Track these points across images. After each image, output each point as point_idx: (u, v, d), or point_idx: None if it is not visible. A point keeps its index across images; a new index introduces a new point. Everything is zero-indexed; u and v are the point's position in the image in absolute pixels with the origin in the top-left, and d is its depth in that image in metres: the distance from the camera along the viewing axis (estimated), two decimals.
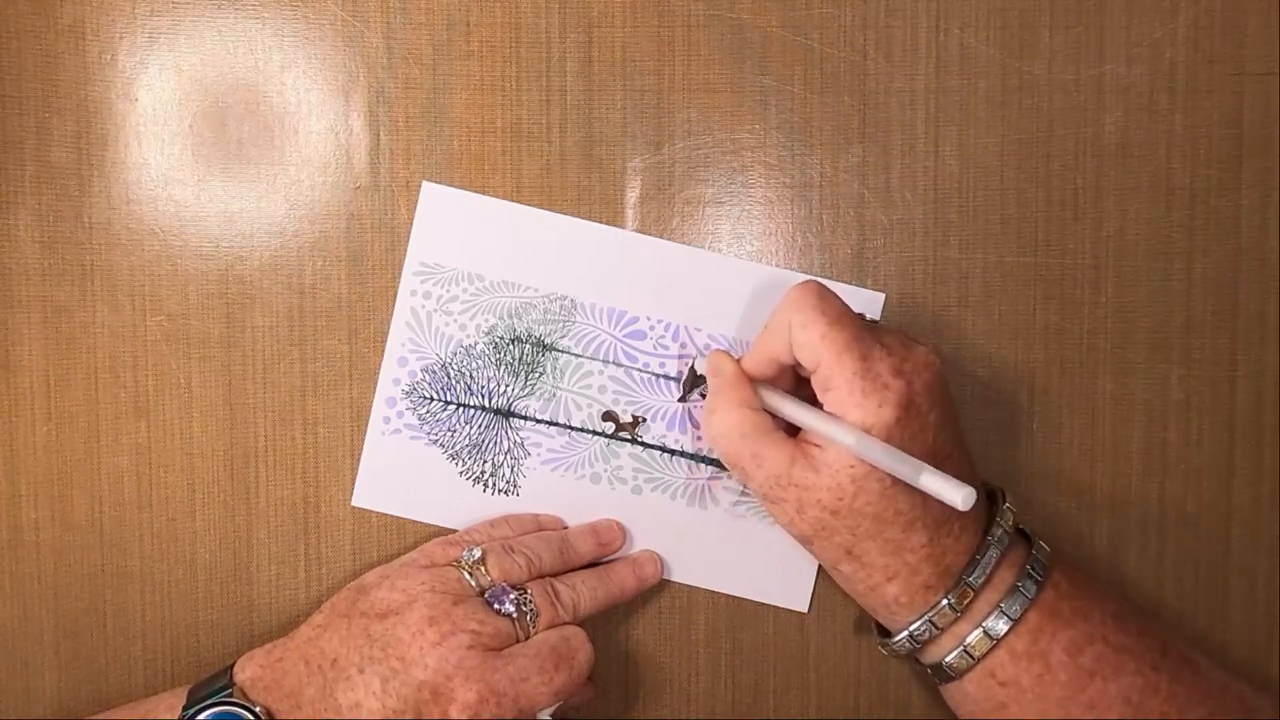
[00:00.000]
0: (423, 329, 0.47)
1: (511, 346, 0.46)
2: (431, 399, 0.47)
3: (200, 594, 0.48)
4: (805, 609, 0.48)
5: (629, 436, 0.47)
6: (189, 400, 0.47)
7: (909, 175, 0.47)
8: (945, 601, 0.40)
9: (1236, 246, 0.47)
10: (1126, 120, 0.47)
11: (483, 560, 0.43)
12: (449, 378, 0.47)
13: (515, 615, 0.41)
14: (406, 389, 0.47)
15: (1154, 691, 0.40)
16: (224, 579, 0.48)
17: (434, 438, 0.47)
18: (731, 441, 0.41)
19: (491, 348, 0.47)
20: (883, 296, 0.47)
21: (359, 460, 0.47)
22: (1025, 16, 0.46)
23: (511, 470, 0.47)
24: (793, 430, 0.42)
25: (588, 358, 0.47)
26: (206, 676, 0.42)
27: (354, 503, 0.47)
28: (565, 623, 0.43)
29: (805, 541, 0.42)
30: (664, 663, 0.48)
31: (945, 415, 0.41)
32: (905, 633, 0.41)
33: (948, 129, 0.47)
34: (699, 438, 0.47)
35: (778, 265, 0.47)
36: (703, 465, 0.47)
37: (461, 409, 0.47)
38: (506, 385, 0.47)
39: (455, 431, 0.47)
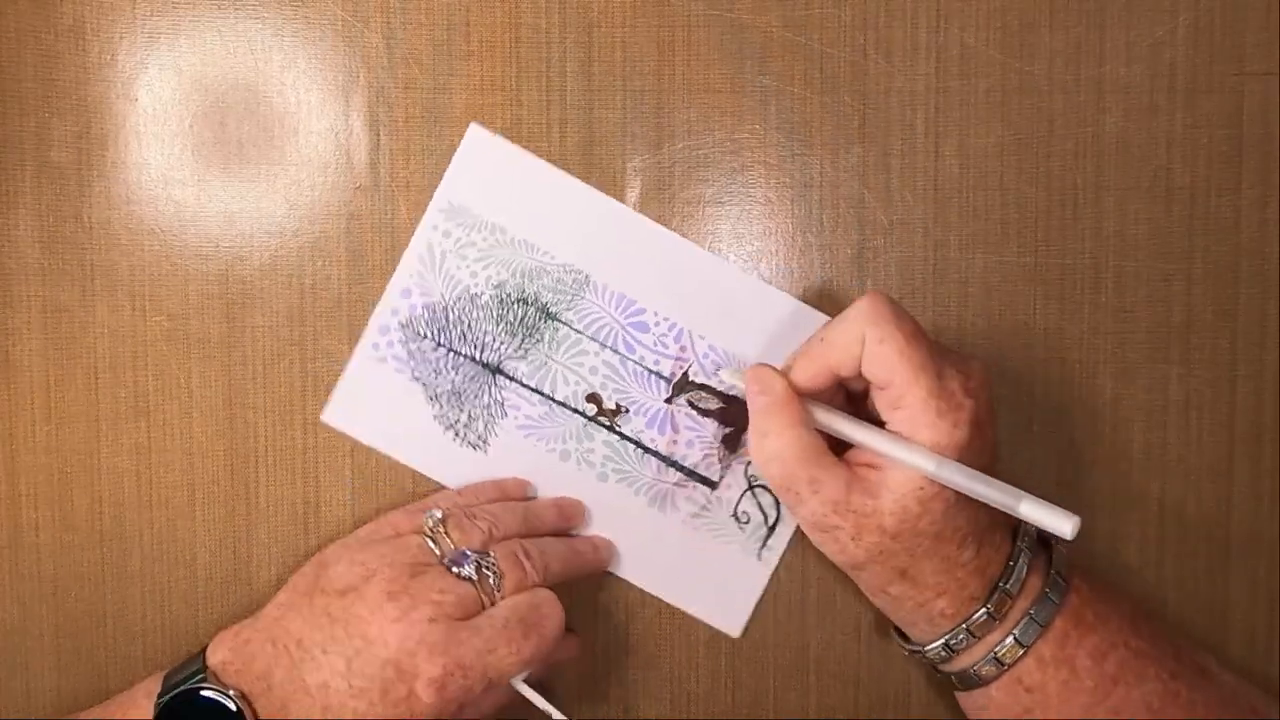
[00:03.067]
0: (434, 266, 0.46)
1: (516, 306, 0.46)
2: (425, 336, 0.46)
3: (200, 594, 0.48)
4: (737, 634, 0.48)
5: (607, 423, 0.47)
6: (189, 400, 0.47)
7: (909, 175, 0.47)
8: (984, 610, 0.40)
9: (1236, 246, 0.47)
10: (1126, 120, 0.47)
11: (444, 523, 0.42)
12: (447, 320, 0.46)
13: (476, 579, 0.41)
14: (403, 321, 0.47)
15: (1174, 698, 0.40)
16: (224, 579, 0.48)
17: (418, 375, 0.47)
18: (787, 465, 0.39)
19: (496, 302, 0.46)
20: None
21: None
22: (1025, 17, 0.46)
23: (485, 426, 0.47)
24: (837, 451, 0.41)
25: (587, 336, 0.47)
26: (181, 661, 0.42)
27: (323, 418, 0.47)
28: (535, 585, 0.42)
29: (855, 568, 0.40)
30: (664, 663, 0.48)
31: (996, 431, 0.41)
32: (940, 642, 0.41)
33: (948, 129, 0.47)
34: (674, 441, 0.47)
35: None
36: (672, 470, 0.47)
37: (452, 354, 0.46)
38: (502, 342, 0.47)
39: (440, 374, 0.47)
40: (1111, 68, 0.47)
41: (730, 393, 0.47)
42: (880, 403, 0.40)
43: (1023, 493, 0.37)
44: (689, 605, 0.48)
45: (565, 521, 0.46)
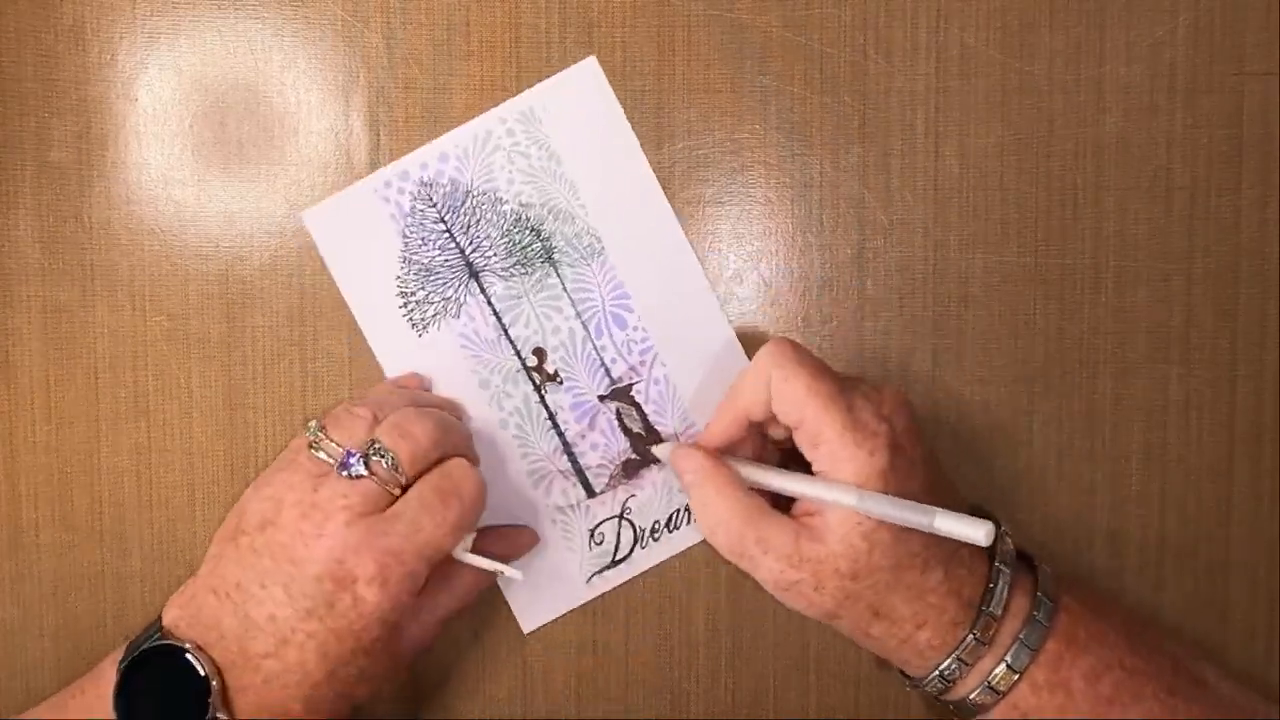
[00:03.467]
0: (481, 152, 0.46)
1: (528, 233, 0.46)
2: (434, 205, 0.46)
3: None
4: (526, 630, 0.48)
5: (538, 380, 0.47)
6: (189, 400, 0.47)
7: (909, 175, 0.47)
8: (971, 636, 0.40)
9: (1236, 246, 0.47)
10: (1126, 120, 0.47)
11: (323, 429, 0.42)
12: (461, 204, 0.46)
13: (369, 472, 0.40)
14: (425, 179, 0.46)
15: (1170, 714, 0.40)
16: None
17: (407, 234, 0.46)
18: (731, 529, 0.40)
19: (514, 218, 0.46)
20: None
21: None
22: (1025, 17, 0.46)
23: (434, 315, 0.46)
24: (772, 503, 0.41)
25: (570, 298, 0.47)
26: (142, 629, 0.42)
27: (304, 216, 0.46)
28: (429, 452, 0.41)
29: (831, 618, 0.40)
30: (664, 663, 0.48)
31: (926, 450, 0.41)
32: (935, 673, 0.41)
33: (948, 129, 0.47)
34: (583, 436, 0.47)
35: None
36: (565, 458, 0.47)
37: (447, 235, 0.46)
38: (495, 254, 0.46)
39: (425, 245, 0.46)
40: (1111, 68, 0.47)
41: (656, 427, 0.47)
42: (801, 443, 0.40)
43: (935, 509, 0.37)
44: (507, 587, 0.47)
45: (452, 410, 0.46)
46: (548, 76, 0.46)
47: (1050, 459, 0.48)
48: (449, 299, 0.46)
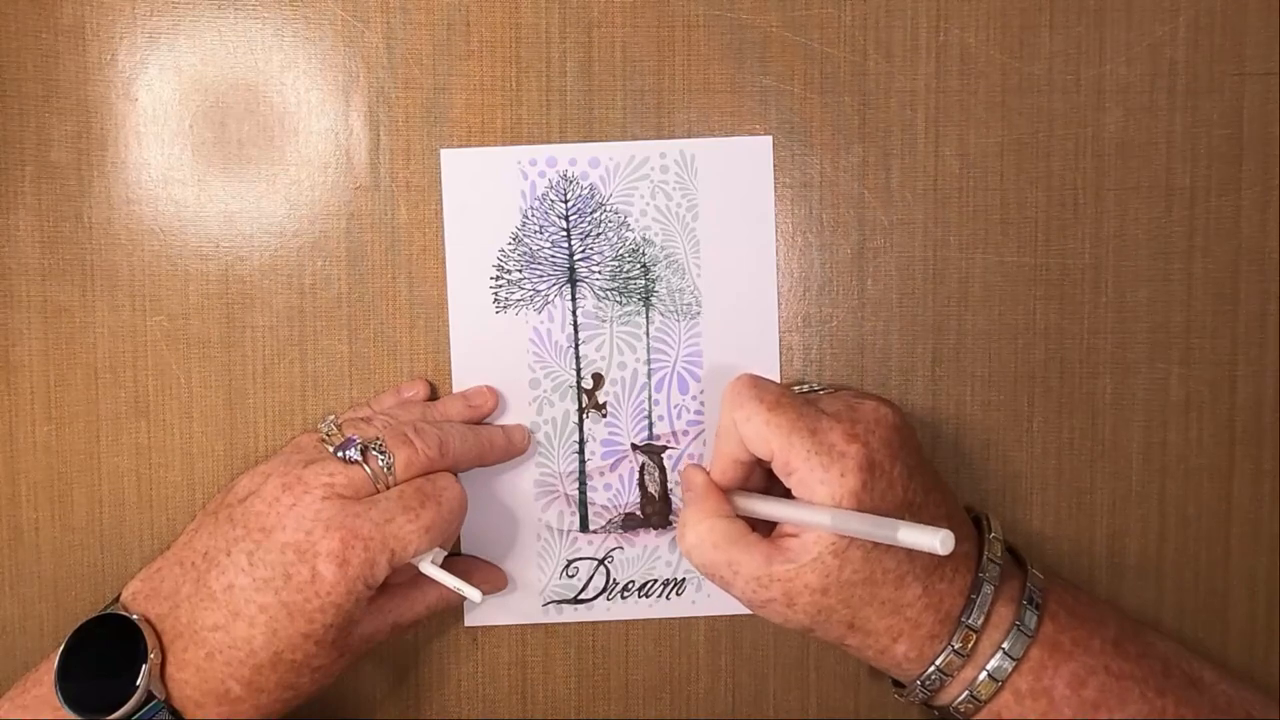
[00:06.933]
0: (629, 176, 0.46)
1: (638, 267, 0.46)
2: (565, 201, 0.46)
3: None
4: (466, 625, 0.48)
5: (582, 404, 0.47)
6: (189, 400, 0.47)
7: (909, 175, 0.47)
8: (950, 648, 0.40)
9: (1236, 246, 0.47)
10: (1126, 120, 0.47)
11: (339, 427, 0.43)
12: (588, 212, 0.46)
13: (363, 460, 0.41)
14: (568, 175, 0.46)
15: (1159, 716, 0.40)
16: None
17: (527, 215, 0.46)
18: (704, 552, 0.41)
19: (630, 248, 0.46)
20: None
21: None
22: (1025, 17, 0.46)
23: (519, 299, 0.46)
24: (769, 528, 0.42)
25: (646, 344, 0.47)
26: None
27: (440, 152, 0.46)
28: (428, 462, 0.42)
29: (806, 631, 0.41)
30: (664, 663, 0.48)
31: (911, 463, 0.41)
32: (917, 683, 0.41)
33: (948, 129, 0.47)
34: (602, 473, 0.47)
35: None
36: (576, 485, 0.47)
37: (565, 234, 0.46)
38: (599, 273, 0.46)
39: (540, 233, 0.46)
40: (1111, 68, 0.47)
41: (671, 497, 0.47)
42: (778, 474, 0.41)
43: (899, 522, 0.37)
44: (467, 605, 0.48)
45: (472, 411, 0.46)
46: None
47: (1050, 459, 0.48)
48: (539, 292, 0.47)
